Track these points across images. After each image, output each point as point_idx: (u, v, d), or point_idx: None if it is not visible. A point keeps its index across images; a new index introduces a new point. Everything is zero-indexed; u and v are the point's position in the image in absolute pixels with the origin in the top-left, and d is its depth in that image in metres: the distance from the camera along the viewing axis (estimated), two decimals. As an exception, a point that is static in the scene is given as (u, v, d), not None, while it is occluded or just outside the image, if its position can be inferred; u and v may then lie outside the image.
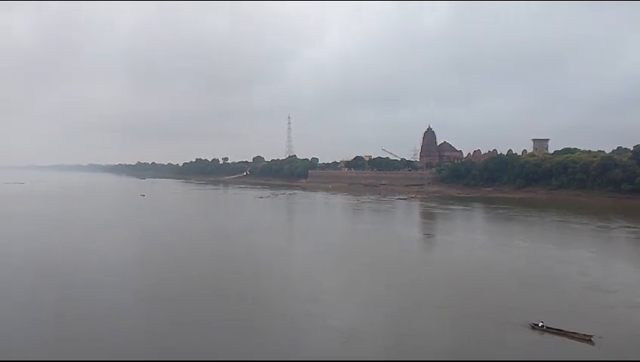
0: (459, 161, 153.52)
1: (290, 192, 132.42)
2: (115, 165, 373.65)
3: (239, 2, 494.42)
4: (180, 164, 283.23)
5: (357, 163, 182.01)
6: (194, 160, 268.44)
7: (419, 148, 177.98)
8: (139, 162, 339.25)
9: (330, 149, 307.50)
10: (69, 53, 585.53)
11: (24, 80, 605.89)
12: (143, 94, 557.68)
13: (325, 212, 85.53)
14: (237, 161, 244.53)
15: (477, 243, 49.03)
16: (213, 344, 21.57)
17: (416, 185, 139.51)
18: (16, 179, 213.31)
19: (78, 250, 44.63)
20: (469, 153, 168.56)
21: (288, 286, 31.91)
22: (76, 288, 30.82)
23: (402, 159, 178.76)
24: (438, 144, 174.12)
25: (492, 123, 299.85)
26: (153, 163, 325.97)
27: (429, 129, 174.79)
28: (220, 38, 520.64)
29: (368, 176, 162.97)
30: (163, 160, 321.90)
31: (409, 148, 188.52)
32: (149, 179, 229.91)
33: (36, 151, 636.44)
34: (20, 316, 25.51)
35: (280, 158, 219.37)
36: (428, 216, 78.87)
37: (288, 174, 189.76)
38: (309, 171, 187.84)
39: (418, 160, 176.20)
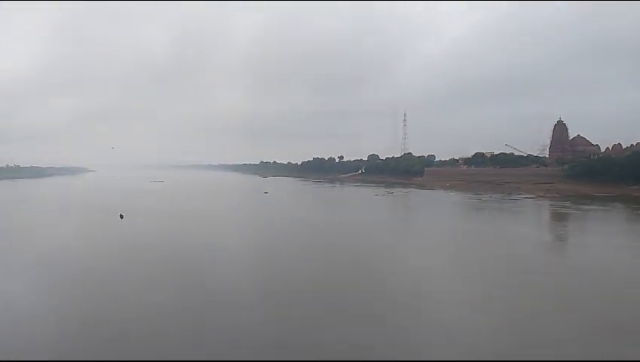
0: (595, 157, 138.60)
1: (406, 190, 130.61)
2: (241, 164, 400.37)
3: (355, 2, 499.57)
4: (299, 163, 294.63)
5: (477, 160, 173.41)
6: (311, 159, 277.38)
7: (548, 142, 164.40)
8: (262, 161, 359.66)
9: (448, 146, 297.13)
10: (198, 61, 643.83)
11: (162, 88, 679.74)
12: (264, 96, 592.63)
13: (443, 210, 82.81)
14: (352, 159, 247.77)
15: (621, 249, 43.82)
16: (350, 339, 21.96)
17: (544, 182, 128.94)
18: (158, 177, 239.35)
19: (219, 243, 48.67)
20: (607, 148, 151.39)
21: (408, 285, 31.45)
22: (229, 278, 33.61)
23: (529, 155, 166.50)
24: (571, 138, 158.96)
25: (633, 115, 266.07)
26: (274, 162, 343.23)
27: (560, 122, 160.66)
28: (336, 38, 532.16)
29: (490, 173, 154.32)
30: (283, 159, 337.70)
31: (537, 144, 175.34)
32: (271, 178, 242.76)
33: (174, 152, 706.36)
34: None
35: (395, 156, 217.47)
36: (560, 216, 72.37)
37: (404, 172, 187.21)
38: (426, 169, 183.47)
39: (547, 156, 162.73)
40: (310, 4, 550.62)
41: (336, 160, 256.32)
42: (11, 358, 20.05)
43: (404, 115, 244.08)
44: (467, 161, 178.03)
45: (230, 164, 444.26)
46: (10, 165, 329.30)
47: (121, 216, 69.81)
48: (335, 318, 24.61)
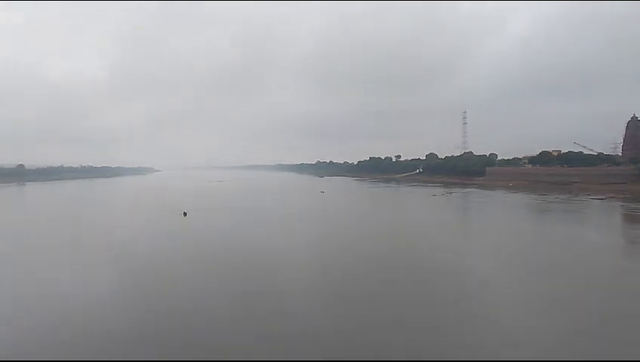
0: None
1: (465, 190, 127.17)
2: (298, 164, 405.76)
3: (417, 2, 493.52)
4: (355, 163, 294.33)
5: (542, 158, 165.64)
6: (368, 158, 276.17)
7: (620, 140, 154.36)
8: (318, 161, 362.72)
9: (510, 145, 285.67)
10: (262, 63, 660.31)
11: (226, 91, 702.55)
12: (323, 97, 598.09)
13: (504, 211, 79.94)
14: (409, 158, 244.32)
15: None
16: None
17: (616, 183, 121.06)
18: (218, 177, 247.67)
19: (277, 240, 49.94)
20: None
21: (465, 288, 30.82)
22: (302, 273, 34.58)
23: (599, 154, 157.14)
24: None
25: None
26: (331, 161, 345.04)
27: (634, 118, 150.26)
28: (397, 38, 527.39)
29: (556, 173, 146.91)
30: (339, 158, 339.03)
31: (608, 142, 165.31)
32: (327, 177, 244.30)
33: (234, 153, 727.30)
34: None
35: (454, 155, 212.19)
36: (632, 219, 67.88)
37: (463, 171, 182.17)
38: (487, 168, 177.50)
39: (619, 154, 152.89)
40: (372, 4, 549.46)
41: (393, 159, 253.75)
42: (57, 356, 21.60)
43: (465, 113, 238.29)
44: (532, 160, 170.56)
45: (287, 164, 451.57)
46: (84, 165, 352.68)
47: (185, 214, 72.99)
48: (416, 319, 24.64)
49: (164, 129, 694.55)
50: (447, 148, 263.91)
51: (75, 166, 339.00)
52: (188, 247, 46.77)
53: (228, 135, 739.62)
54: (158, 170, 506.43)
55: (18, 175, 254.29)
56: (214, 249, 45.56)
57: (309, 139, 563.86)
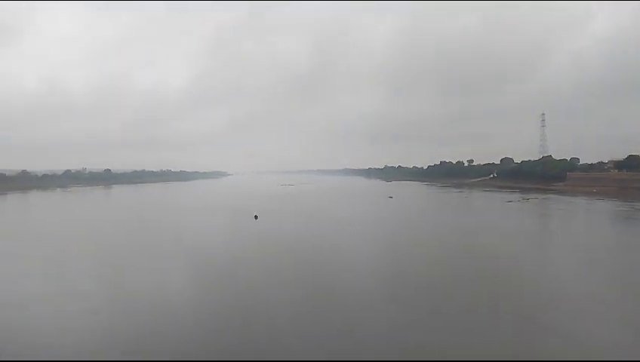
0: None
1: (544, 196, 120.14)
2: (365, 169, 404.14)
3: (489, 2, 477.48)
4: (425, 167, 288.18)
5: (631, 163, 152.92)
6: (438, 162, 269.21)
7: None
8: (386, 165, 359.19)
9: (594, 148, 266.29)
10: (331, 67, 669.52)
11: (297, 97, 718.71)
12: (391, 100, 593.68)
13: (591, 221, 74.54)
14: (482, 163, 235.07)
15: None
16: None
17: None
18: (288, 181, 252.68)
19: (342, 244, 49.98)
20: None
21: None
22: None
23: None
24: None
25: None
26: (399, 166, 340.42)
27: None
28: (470, 38, 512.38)
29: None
30: (409, 163, 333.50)
31: None
32: (395, 182, 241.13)
33: (303, 157, 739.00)
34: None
35: (532, 159, 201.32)
36: None
37: (541, 176, 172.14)
38: (568, 173, 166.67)
39: None
40: (444, 4, 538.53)
41: (465, 163, 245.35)
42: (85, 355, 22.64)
43: (543, 115, 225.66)
44: (618, 165, 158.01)
45: (354, 168, 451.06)
46: (163, 170, 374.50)
47: (256, 217, 75.02)
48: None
49: (237, 134, 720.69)
50: (523, 151, 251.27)
51: (155, 170, 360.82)
52: (257, 249, 47.96)
53: (298, 139, 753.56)
54: (230, 174, 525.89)
55: (105, 178, 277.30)
56: (282, 252, 46.31)
57: (378, 143, 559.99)
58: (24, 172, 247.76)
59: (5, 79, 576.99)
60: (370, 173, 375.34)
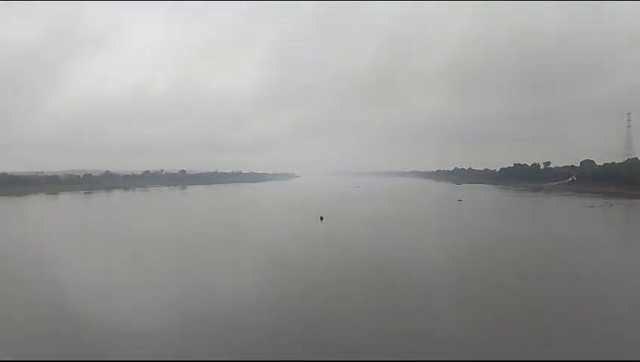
0: None
1: (630, 202, 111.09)
2: (434, 171, 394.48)
3: (563, 2, 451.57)
4: (497, 170, 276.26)
5: None
6: (512, 165, 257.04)
7: None
8: (456, 168, 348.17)
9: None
10: (396, 69, 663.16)
11: (363, 99, 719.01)
12: (461, 100, 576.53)
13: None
14: (560, 165, 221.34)
15: None
16: None
17: None
18: (354, 183, 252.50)
19: (408, 248, 49.28)
20: None
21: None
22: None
23: None
24: None
25: None
26: (470, 168, 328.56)
27: None
28: (546, 37, 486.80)
29: None
30: (479, 165, 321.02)
31: None
32: (465, 185, 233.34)
33: (369, 159, 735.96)
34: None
35: (615, 162, 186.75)
36: None
37: (627, 181, 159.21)
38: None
39: None
40: (513, 4, 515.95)
41: (541, 166, 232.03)
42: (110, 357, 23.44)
43: (629, 114, 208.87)
44: None
45: (423, 171, 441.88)
46: (234, 171, 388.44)
47: (321, 218, 75.71)
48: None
49: (305, 136, 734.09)
50: (606, 153, 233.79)
51: (227, 171, 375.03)
52: (321, 248, 48.41)
53: (365, 141, 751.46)
54: (298, 176, 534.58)
55: (181, 179, 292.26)
56: (347, 253, 46.37)
57: (447, 145, 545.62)
58: (108, 173, 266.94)
59: (95, 86, 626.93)
60: (438, 175, 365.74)
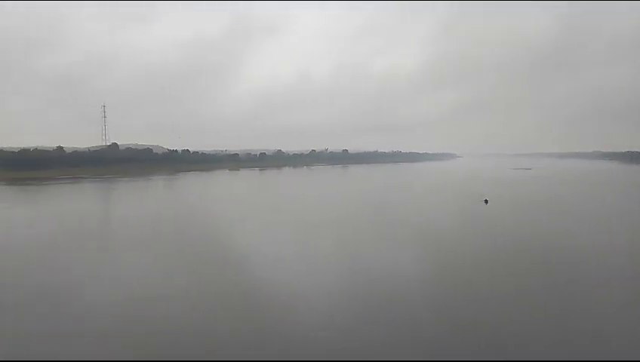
0: None
1: None
2: (623, 152, 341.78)
3: None
4: None
5: None
6: None
7: None
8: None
9: None
10: (583, 37, 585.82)
11: (536, 74, 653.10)
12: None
13: None
14: None
15: None
16: None
17: None
18: (522, 165, 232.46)
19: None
20: None
21: None
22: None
23: None
24: None
25: None
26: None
27: None
28: None
29: None
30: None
31: None
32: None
33: (539, 139, 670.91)
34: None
35: None
36: None
37: None
38: None
39: None
40: None
41: None
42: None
43: None
44: None
45: (608, 152, 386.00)
46: (394, 151, 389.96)
47: (486, 202, 71.90)
48: None
49: (467, 115, 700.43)
50: None
51: (386, 151, 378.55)
52: (486, 234, 46.12)
53: (533, 120, 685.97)
54: (460, 156, 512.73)
55: (343, 158, 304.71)
56: (514, 241, 43.43)
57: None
58: (279, 152, 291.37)
59: (267, 72, 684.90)
60: (630, 157, 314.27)
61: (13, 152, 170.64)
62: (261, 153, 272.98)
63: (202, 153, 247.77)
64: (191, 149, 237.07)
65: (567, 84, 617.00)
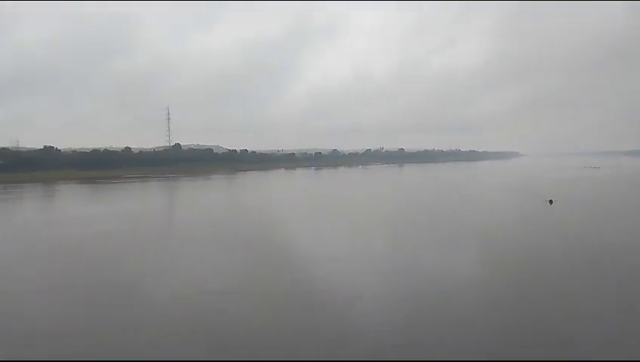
0: None
1: None
2: None
3: None
4: None
5: None
6: None
7: None
8: None
9: None
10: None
11: (604, 66, 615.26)
12: None
13: None
14: None
15: None
16: None
17: None
18: (590, 163, 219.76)
19: None
20: None
21: None
22: None
23: None
24: None
25: None
26: None
27: None
28: None
29: None
30: None
31: None
32: None
33: (609, 137, 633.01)
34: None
35: None
36: None
37: None
38: None
39: None
40: None
41: None
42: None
43: None
44: None
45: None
46: (453, 149, 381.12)
47: (550, 202, 68.90)
48: None
49: (530, 113, 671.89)
50: None
51: (444, 150, 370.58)
52: (552, 237, 44.35)
53: (603, 116, 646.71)
54: (522, 155, 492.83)
55: (399, 157, 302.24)
56: (583, 245, 41.51)
57: None
58: (335, 151, 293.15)
59: (324, 72, 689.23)
60: None
61: (85, 153, 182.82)
62: (317, 152, 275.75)
63: (260, 153, 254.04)
64: (249, 149, 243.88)
65: (635, 81, 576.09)
